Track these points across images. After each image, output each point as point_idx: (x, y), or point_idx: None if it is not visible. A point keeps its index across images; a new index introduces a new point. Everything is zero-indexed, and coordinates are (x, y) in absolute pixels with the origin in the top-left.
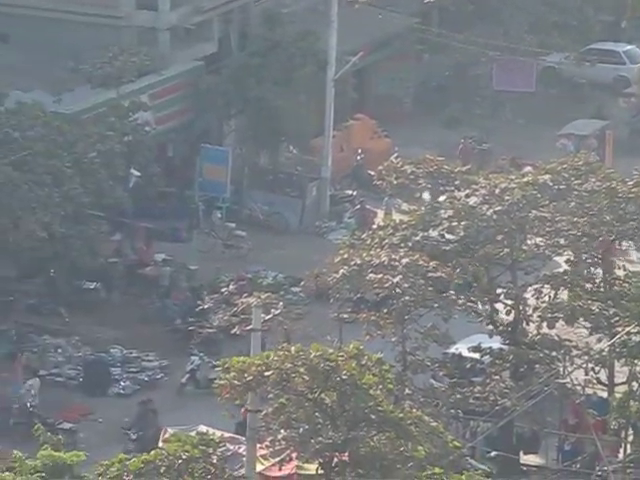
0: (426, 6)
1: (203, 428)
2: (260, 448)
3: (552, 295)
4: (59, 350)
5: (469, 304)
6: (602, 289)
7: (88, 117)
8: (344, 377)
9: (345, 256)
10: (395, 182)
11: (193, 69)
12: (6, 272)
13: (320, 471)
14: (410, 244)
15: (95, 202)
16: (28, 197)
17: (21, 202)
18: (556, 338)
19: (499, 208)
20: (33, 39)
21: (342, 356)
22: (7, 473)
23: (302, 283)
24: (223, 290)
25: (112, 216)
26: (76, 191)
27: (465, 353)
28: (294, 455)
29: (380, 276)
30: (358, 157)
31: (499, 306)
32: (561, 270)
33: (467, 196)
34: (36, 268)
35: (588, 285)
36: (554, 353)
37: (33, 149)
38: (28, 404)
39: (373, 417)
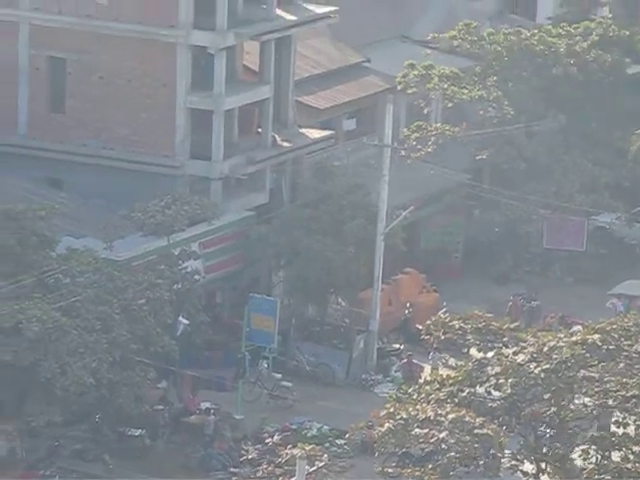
0: (478, 163)
1: None
2: None
3: (599, 457)
4: None
5: (515, 463)
6: None
7: (138, 264)
8: None
9: (391, 410)
10: (443, 337)
11: (244, 219)
12: (52, 417)
13: None
14: (457, 400)
15: (142, 349)
16: (76, 342)
17: (69, 347)
18: None
19: (547, 366)
20: (86, 185)
21: None
22: None
23: (347, 436)
24: (267, 440)
25: (159, 363)
26: (124, 337)
27: None
28: None
29: (426, 431)
30: (406, 311)
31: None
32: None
33: (515, 353)
34: (82, 413)
35: (636, 448)
36: None
37: (83, 295)
38: None
39: None
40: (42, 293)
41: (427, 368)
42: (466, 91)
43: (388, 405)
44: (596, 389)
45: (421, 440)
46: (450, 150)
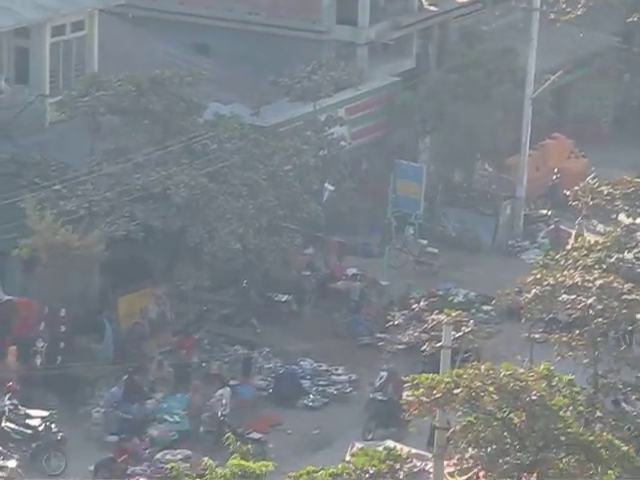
0: (628, 25)
1: (390, 443)
2: (447, 466)
3: None
4: (251, 360)
5: None
6: None
7: (285, 130)
8: (534, 397)
9: (538, 276)
10: (591, 203)
11: (390, 84)
12: (200, 282)
13: None
14: (604, 266)
15: (289, 215)
16: (223, 208)
17: (216, 213)
18: None
19: None
20: (233, 51)
21: (532, 376)
22: None
23: (493, 302)
24: (414, 307)
25: (305, 229)
26: (271, 204)
27: None
28: (481, 474)
29: (573, 297)
30: (554, 177)
31: None
32: None
33: None
34: (229, 279)
35: None
36: None
37: (230, 161)
38: (219, 413)
39: (562, 439)
40: (190, 159)
41: (574, 234)
42: None
43: (535, 271)
44: None
45: (568, 306)
46: (600, 12)
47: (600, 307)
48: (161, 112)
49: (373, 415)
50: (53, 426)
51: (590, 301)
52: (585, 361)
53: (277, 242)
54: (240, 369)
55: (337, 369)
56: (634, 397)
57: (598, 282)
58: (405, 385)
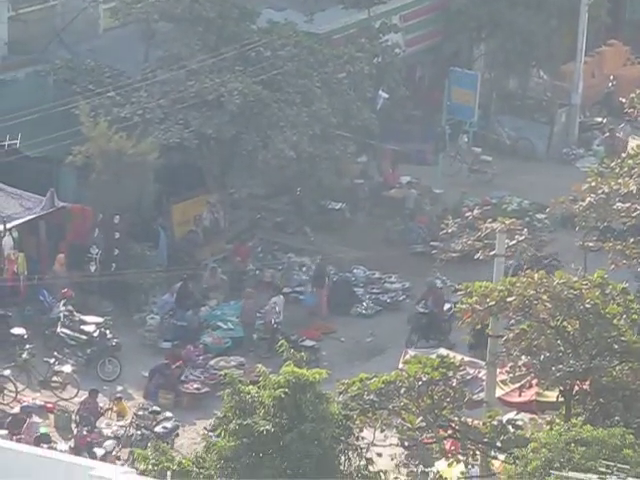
0: None
1: (443, 351)
2: (500, 373)
3: None
4: (303, 268)
5: None
6: None
7: (339, 37)
8: (587, 306)
9: (593, 184)
10: None
11: None
12: (254, 189)
13: (560, 399)
14: None
15: (342, 123)
16: (277, 116)
17: (270, 121)
18: None
19: None
20: None
21: (586, 284)
22: (251, 387)
23: (547, 210)
24: (467, 215)
25: (359, 137)
26: (324, 111)
27: None
28: (534, 382)
29: (628, 205)
30: (609, 84)
31: None
32: None
33: None
34: (283, 187)
35: None
36: None
37: (283, 68)
38: (272, 321)
39: (616, 347)
40: (243, 66)
41: (630, 142)
42: None
43: (590, 179)
44: None
45: (623, 214)
46: None
47: None
48: (214, 19)
49: (415, 327)
50: (108, 332)
51: None
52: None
53: (330, 150)
54: (312, 278)
55: (390, 277)
56: None
57: None
58: (458, 293)
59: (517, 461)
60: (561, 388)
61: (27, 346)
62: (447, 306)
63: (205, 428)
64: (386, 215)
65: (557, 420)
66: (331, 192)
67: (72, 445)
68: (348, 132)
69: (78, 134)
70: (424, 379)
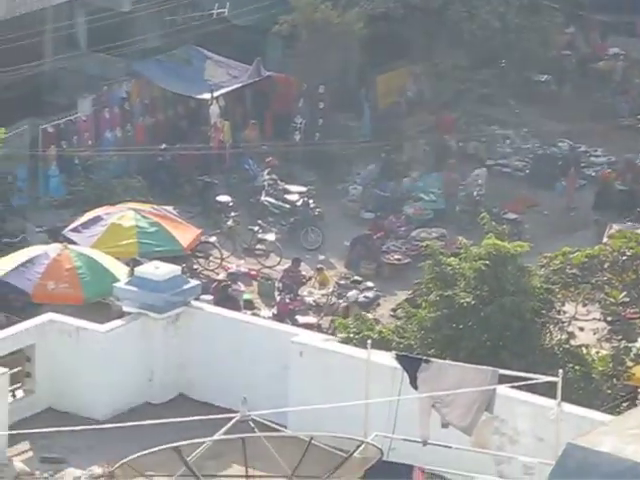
0: None
1: None
2: None
3: None
4: (507, 141)
5: None
6: None
7: None
8: None
9: None
10: None
11: None
12: (459, 61)
13: None
14: None
15: None
16: None
17: None
18: None
19: None
20: None
21: None
22: (452, 258)
23: None
24: None
25: (567, 7)
26: None
27: None
28: None
29: None
30: None
31: None
32: None
33: None
34: (488, 58)
35: None
36: None
37: None
38: (474, 193)
39: None
40: None
41: None
42: None
43: None
44: None
45: None
46: None
47: None
48: None
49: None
50: (311, 201)
51: None
52: None
53: (537, 20)
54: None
55: (596, 150)
56: None
57: None
58: None
59: None
60: None
61: (232, 214)
62: None
63: (392, 309)
64: (593, 87)
65: None
66: (537, 63)
67: (275, 312)
68: (556, 2)
69: (285, 3)
70: (628, 254)
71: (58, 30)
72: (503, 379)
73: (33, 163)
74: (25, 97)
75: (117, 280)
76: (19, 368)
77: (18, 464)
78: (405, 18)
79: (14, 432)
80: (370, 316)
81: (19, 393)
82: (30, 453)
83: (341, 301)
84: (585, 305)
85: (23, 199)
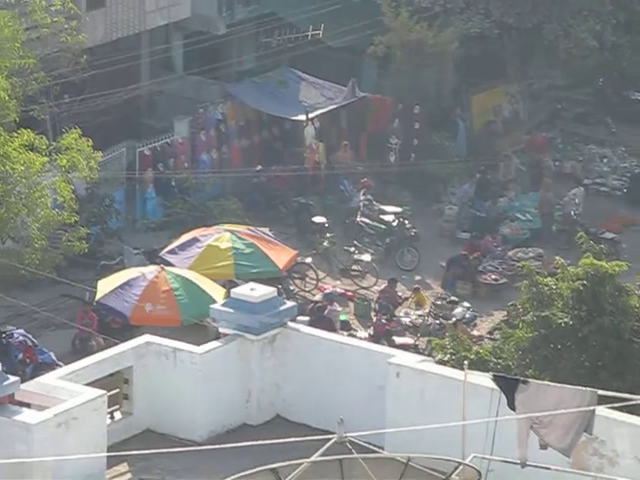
0: None
1: None
2: None
3: None
4: (604, 160)
5: None
6: None
7: None
8: None
9: None
10: None
11: None
12: (554, 80)
13: None
14: None
15: None
16: (580, 4)
17: (572, 9)
18: None
19: None
20: None
21: None
22: (549, 278)
23: None
24: None
25: None
26: None
27: None
28: None
29: None
30: None
31: None
32: None
33: None
34: (584, 77)
35: None
36: None
37: None
38: (572, 212)
39: None
40: None
41: None
42: None
43: None
44: None
45: None
46: None
47: None
48: None
49: None
50: (406, 222)
51: None
52: None
53: (635, 39)
54: None
55: None
56: None
57: None
58: None
59: None
60: None
61: (327, 235)
62: None
63: (489, 332)
64: None
65: None
66: (634, 82)
67: (371, 333)
68: None
69: (379, 24)
70: None
71: (154, 54)
72: (602, 400)
73: (130, 186)
74: (122, 120)
75: (214, 302)
76: (117, 390)
77: None
78: (500, 38)
79: (113, 454)
80: (475, 332)
81: (117, 415)
82: (129, 475)
83: (437, 322)
84: None
85: (120, 221)
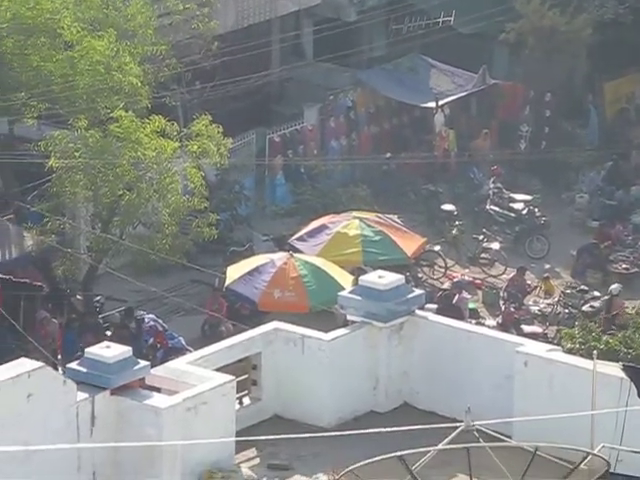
0: None
1: None
2: None
3: None
4: None
5: None
6: None
7: None
8: None
9: None
10: None
11: None
12: None
13: None
14: None
15: None
16: None
17: None
18: None
19: None
20: None
21: None
22: None
23: None
24: None
25: None
26: None
27: None
28: None
29: None
30: None
31: None
32: None
33: None
34: None
35: None
36: None
37: None
38: None
39: None
40: None
41: None
42: None
43: None
44: None
45: None
46: None
47: None
48: None
49: None
50: (536, 210)
51: None
52: None
53: None
54: None
55: None
56: None
57: None
58: None
59: None
60: None
61: (457, 222)
62: None
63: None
64: None
65: None
66: None
67: (499, 321)
68: None
69: (511, 11)
70: None
71: (285, 40)
72: None
73: (260, 172)
74: (253, 107)
75: (342, 289)
76: (246, 376)
77: (246, 470)
78: (635, 23)
79: (242, 439)
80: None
81: (246, 401)
82: (257, 460)
83: (566, 311)
84: None
85: (250, 208)
